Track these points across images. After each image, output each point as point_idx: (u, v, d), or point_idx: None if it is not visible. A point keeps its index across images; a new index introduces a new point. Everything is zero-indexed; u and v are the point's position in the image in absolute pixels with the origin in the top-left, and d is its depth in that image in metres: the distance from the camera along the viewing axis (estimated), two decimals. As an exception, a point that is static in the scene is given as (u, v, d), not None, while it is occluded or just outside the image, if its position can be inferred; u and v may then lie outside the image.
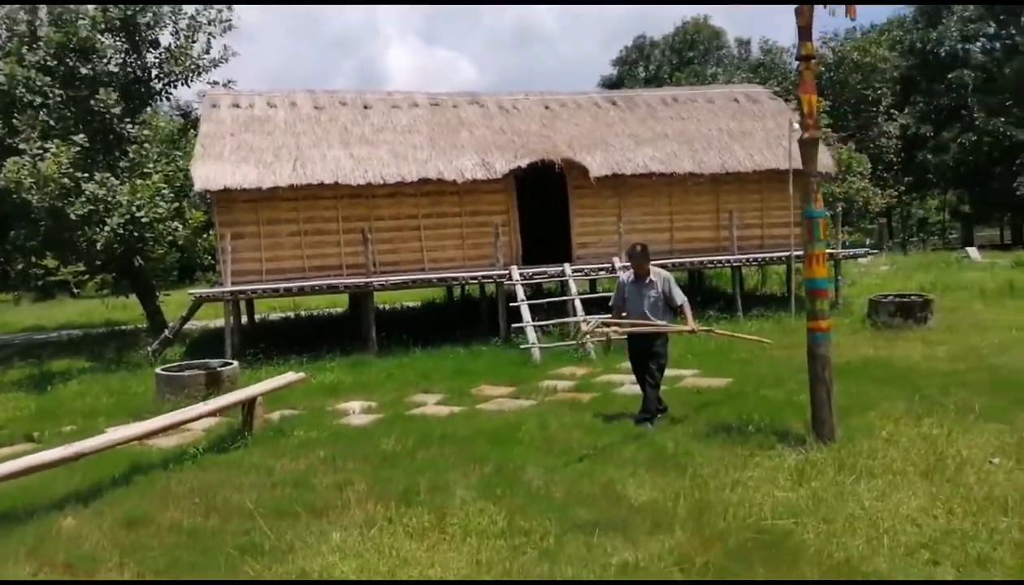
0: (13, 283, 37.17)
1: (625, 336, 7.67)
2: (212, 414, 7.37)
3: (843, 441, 6.32)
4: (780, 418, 7.13)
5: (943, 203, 52.43)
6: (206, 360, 10.20)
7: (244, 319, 16.70)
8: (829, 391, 6.36)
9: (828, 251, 15.86)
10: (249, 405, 7.68)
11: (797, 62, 6.45)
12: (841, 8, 6.16)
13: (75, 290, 29.20)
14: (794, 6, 6.31)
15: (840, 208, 18.18)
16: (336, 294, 13.93)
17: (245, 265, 12.90)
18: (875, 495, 5.16)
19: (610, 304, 7.97)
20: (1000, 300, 15.85)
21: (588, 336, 8.50)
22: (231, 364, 9.79)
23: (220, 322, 14.73)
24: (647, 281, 7.50)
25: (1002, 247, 42.00)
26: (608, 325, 7.79)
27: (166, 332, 13.70)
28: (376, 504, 5.50)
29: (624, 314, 7.58)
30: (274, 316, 19.88)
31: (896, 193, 39.79)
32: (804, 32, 6.34)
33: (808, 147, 6.37)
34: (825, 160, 16.00)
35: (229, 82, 15.92)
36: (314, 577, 4.34)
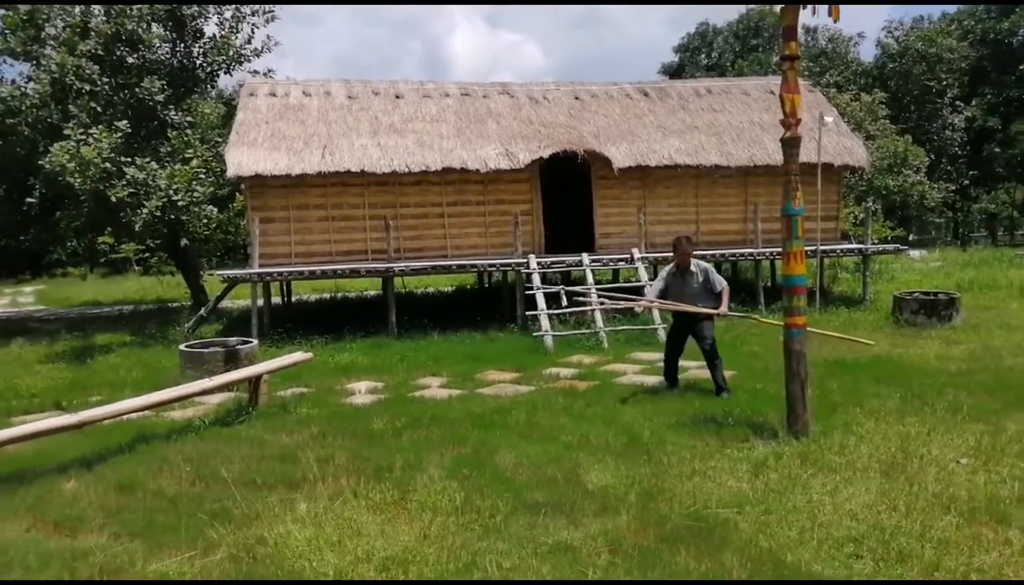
0: (79, 259, 39.03)
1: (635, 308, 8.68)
2: (215, 390, 7.80)
3: (817, 436, 6.38)
4: (762, 412, 7.19)
5: (1010, 197, 50.40)
6: (226, 338, 10.69)
7: (281, 299, 17.35)
8: (804, 387, 6.42)
9: (856, 245, 15.66)
10: (255, 382, 8.09)
11: (782, 62, 6.48)
12: (823, 8, 6.17)
13: (135, 267, 30.61)
14: (779, 6, 6.34)
15: (871, 203, 17.80)
16: (358, 278, 14.33)
17: (275, 248, 13.43)
18: (827, 489, 5.24)
19: (653, 292, 8.46)
20: (1040, 301, 15.38)
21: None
22: (250, 342, 10.24)
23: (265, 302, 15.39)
24: (689, 271, 8.07)
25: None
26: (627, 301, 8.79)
27: (202, 311, 14.34)
28: (349, 479, 5.81)
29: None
30: (313, 297, 20.50)
31: (954, 187, 38.55)
32: (788, 32, 6.38)
33: (789, 146, 6.42)
34: (858, 153, 15.73)
35: (269, 72, 16.53)
36: (269, 543, 4.66)
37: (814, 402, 6.85)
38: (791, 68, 6.37)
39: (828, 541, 4.44)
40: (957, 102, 42.77)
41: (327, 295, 20.50)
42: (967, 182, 44.03)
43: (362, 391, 9.19)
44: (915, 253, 29.36)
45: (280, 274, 13.08)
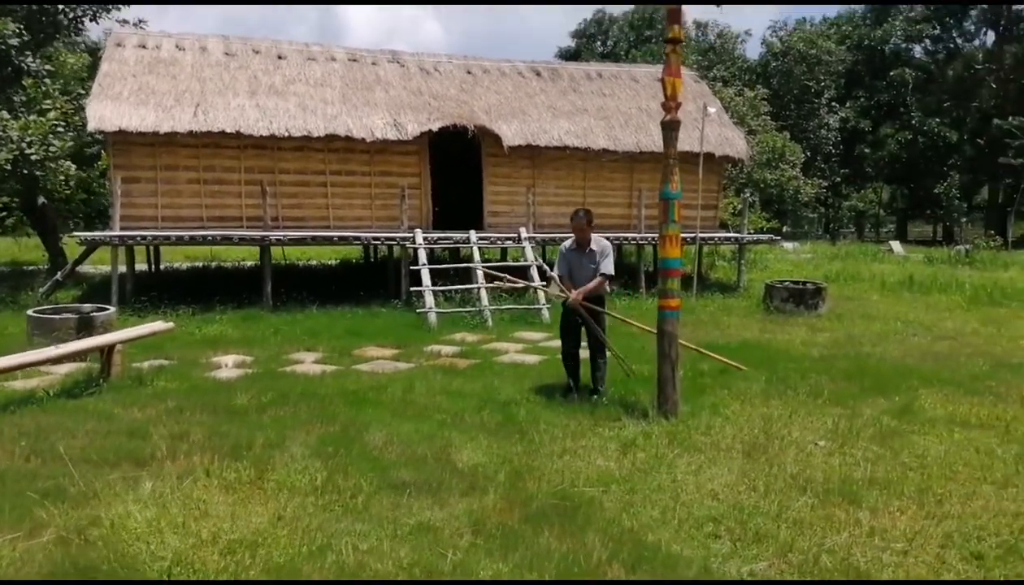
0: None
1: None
2: (63, 359, 7.20)
3: (685, 417, 6.48)
4: (634, 392, 7.26)
5: (877, 197, 53.82)
6: (81, 305, 9.92)
7: (148, 266, 16.37)
8: (674, 369, 6.50)
9: (733, 235, 16.22)
10: (108, 352, 7.51)
11: (665, 44, 6.49)
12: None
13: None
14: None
15: (749, 194, 18.50)
16: (231, 245, 13.64)
17: (140, 211, 12.57)
18: (691, 469, 5.30)
19: (556, 274, 7.42)
20: (898, 293, 16.39)
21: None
22: (106, 309, 9.54)
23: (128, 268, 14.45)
24: (587, 250, 7.14)
25: (930, 243, 43.36)
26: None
27: (58, 275, 13.30)
28: (203, 456, 5.44)
29: (572, 284, 7.17)
30: (185, 265, 19.45)
31: (826, 184, 40.72)
32: (673, 15, 6.39)
33: (669, 130, 6.45)
34: (739, 145, 16.25)
35: (140, 22, 15.38)
36: (104, 524, 4.27)
37: (684, 383, 6.98)
38: (673, 51, 6.40)
39: (689, 521, 4.47)
40: (833, 103, 45.13)
41: (200, 264, 19.49)
42: (839, 180, 46.63)
43: (228, 365, 8.72)
44: (788, 245, 30.87)
45: (144, 238, 12.21)
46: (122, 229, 12.06)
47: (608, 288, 7.56)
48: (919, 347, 10.31)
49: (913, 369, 8.75)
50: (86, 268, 15.74)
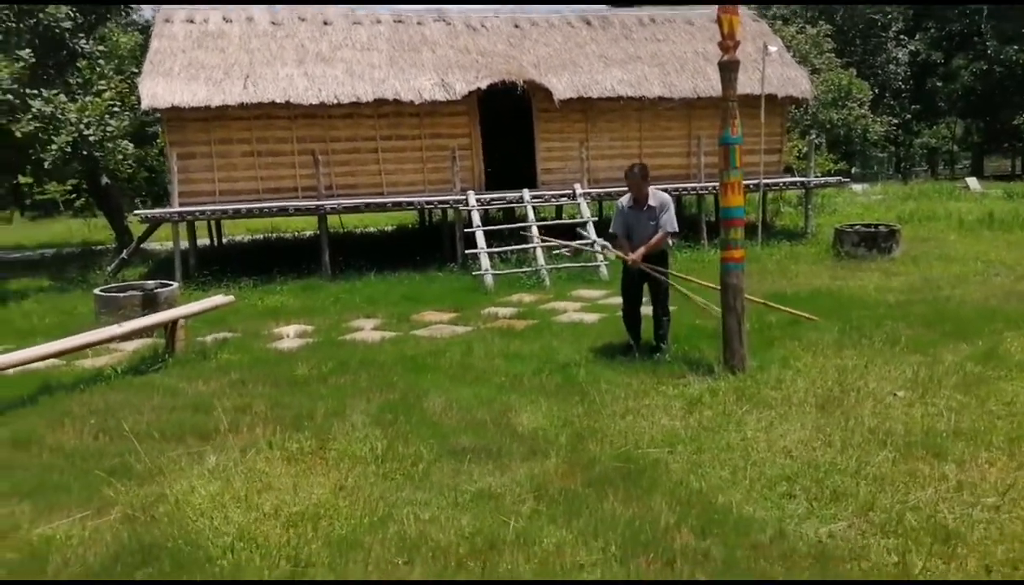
0: (4, 202, 37.06)
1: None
2: (128, 336, 7.34)
3: (753, 371, 6.24)
4: (699, 348, 7.02)
5: (951, 132, 51.22)
6: (145, 281, 10.11)
7: (210, 241, 16.65)
8: (740, 321, 6.23)
9: (799, 178, 15.59)
10: (171, 327, 7.62)
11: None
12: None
13: (62, 209, 29.17)
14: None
15: (815, 136, 17.71)
16: (287, 216, 13.69)
17: (197, 186, 12.71)
18: (761, 426, 5.08)
19: (610, 231, 7.14)
20: (977, 231, 15.57)
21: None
22: (170, 285, 9.69)
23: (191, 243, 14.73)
24: (646, 207, 6.78)
25: (1009, 178, 41.12)
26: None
27: (123, 253, 13.62)
28: (265, 428, 5.46)
29: (630, 242, 6.86)
30: (247, 238, 19.75)
31: (896, 121, 38.94)
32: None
33: (727, 71, 6.10)
34: (803, 85, 15.52)
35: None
36: (170, 500, 4.30)
37: (751, 336, 6.70)
38: (729, -15, 6.00)
39: (760, 480, 4.27)
40: (901, 36, 42.86)
41: (261, 236, 19.75)
42: (909, 117, 44.46)
43: (290, 335, 8.77)
44: (857, 187, 29.67)
45: (202, 213, 12.36)
46: (181, 205, 12.23)
47: (671, 242, 7.22)
48: (1002, 287, 9.74)
49: (996, 311, 8.25)
50: (152, 245, 16.09)
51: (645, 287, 7.12)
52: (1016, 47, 41.63)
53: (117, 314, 9.00)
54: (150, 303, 9.22)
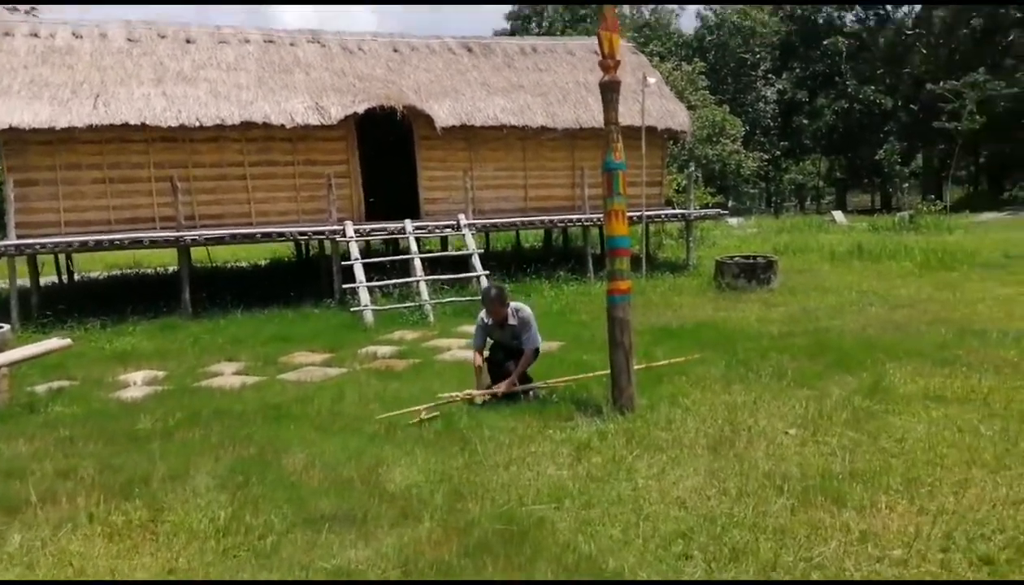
0: None
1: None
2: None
3: (643, 410, 5.89)
4: (587, 386, 6.65)
5: (816, 168, 54.38)
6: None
7: (58, 277, 15.22)
8: (628, 357, 5.88)
9: (679, 211, 15.76)
10: (-10, 378, 6.59)
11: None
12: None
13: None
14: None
15: (694, 168, 18.08)
16: (141, 249, 12.53)
17: (40, 216, 11.47)
18: (653, 472, 4.70)
19: (474, 345, 6.79)
20: (848, 262, 16.17)
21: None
22: (1, 328, 8.53)
23: (45, 279, 13.30)
24: (506, 326, 6.61)
25: (870, 212, 43.88)
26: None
27: (-48, 291, 12.11)
28: (88, 497, 4.64)
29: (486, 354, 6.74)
30: (104, 275, 18.20)
31: (766, 158, 40.86)
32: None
33: (608, 92, 5.80)
34: (682, 117, 15.75)
35: (32, 9, 14.11)
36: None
37: (640, 373, 6.38)
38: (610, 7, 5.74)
39: (655, 538, 3.86)
40: (769, 75, 45.31)
41: (118, 272, 18.24)
42: (779, 153, 46.88)
43: (138, 382, 7.85)
44: (733, 220, 30.72)
45: (44, 246, 11.08)
46: (19, 237, 10.95)
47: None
48: (878, 317, 9.93)
49: (875, 341, 8.31)
50: (-3, 283, 14.53)
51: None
52: (873, 87, 44.69)
53: (-70, 362, 7.81)
54: (-28, 349, 8.05)
